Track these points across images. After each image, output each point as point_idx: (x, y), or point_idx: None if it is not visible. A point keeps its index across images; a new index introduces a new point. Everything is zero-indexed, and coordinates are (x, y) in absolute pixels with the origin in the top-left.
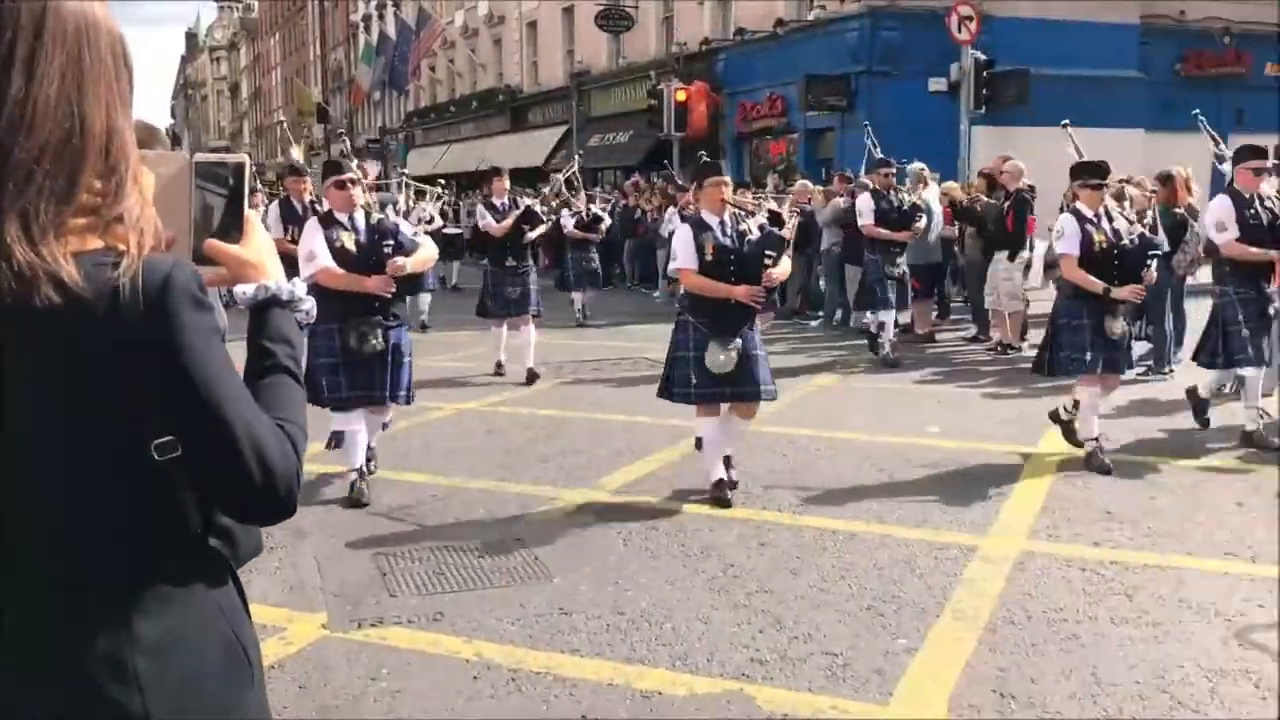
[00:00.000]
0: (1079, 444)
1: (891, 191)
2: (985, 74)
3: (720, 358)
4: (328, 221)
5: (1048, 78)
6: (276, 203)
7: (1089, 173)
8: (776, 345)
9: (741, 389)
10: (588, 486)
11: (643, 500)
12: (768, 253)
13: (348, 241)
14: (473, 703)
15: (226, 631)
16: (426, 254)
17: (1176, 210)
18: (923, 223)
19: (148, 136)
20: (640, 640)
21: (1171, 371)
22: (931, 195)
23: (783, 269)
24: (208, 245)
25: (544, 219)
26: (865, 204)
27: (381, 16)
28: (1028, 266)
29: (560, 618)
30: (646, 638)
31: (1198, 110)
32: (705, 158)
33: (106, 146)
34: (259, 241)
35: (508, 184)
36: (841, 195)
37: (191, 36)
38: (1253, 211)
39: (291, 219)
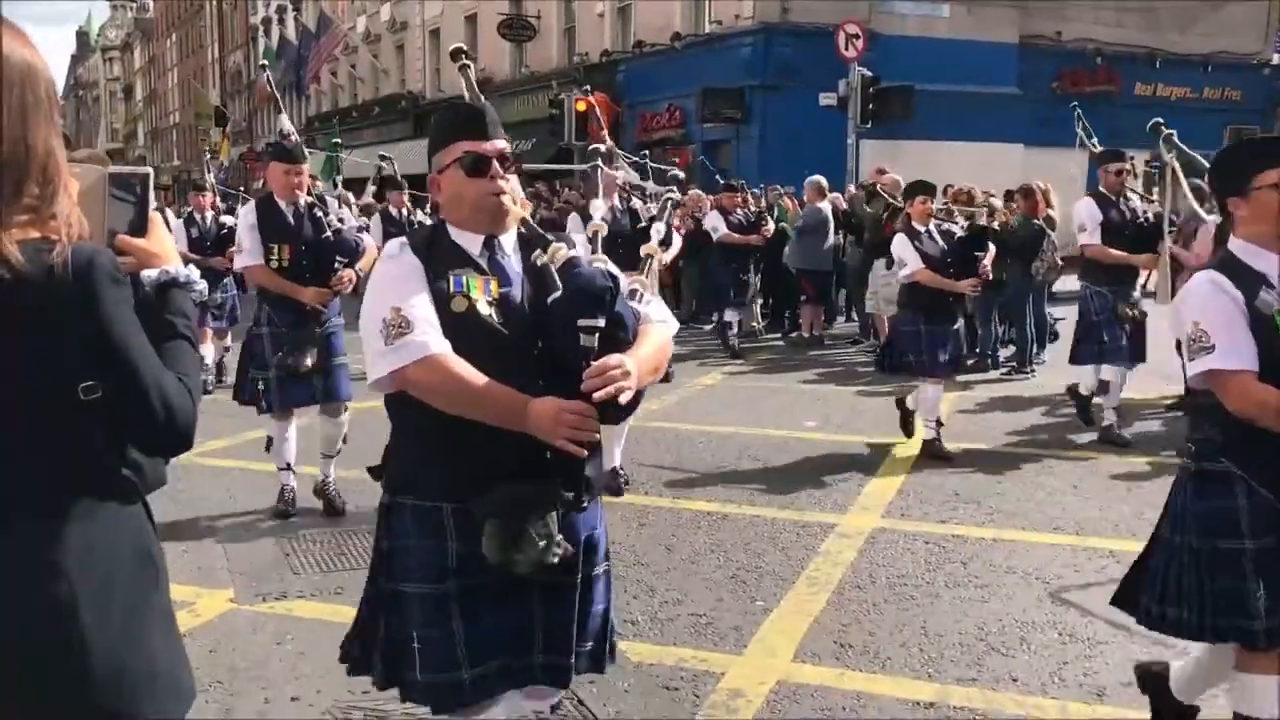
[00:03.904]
0: None
1: (1121, 197)
2: (871, 89)
3: None
4: (440, 255)
5: (931, 94)
6: (251, 208)
7: None
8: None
9: None
10: None
11: None
12: None
13: (482, 303)
14: None
15: (138, 540)
16: (658, 338)
17: (1036, 221)
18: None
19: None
20: None
21: (1033, 371)
22: (825, 207)
23: None
24: (119, 239)
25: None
26: (1088, 213)
27: (282, 20)
28: None
29: None
30: None
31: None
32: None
33: (45, 163)
34: (160, 235)
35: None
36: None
37: (83, 35)
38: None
39: (279, 233)
